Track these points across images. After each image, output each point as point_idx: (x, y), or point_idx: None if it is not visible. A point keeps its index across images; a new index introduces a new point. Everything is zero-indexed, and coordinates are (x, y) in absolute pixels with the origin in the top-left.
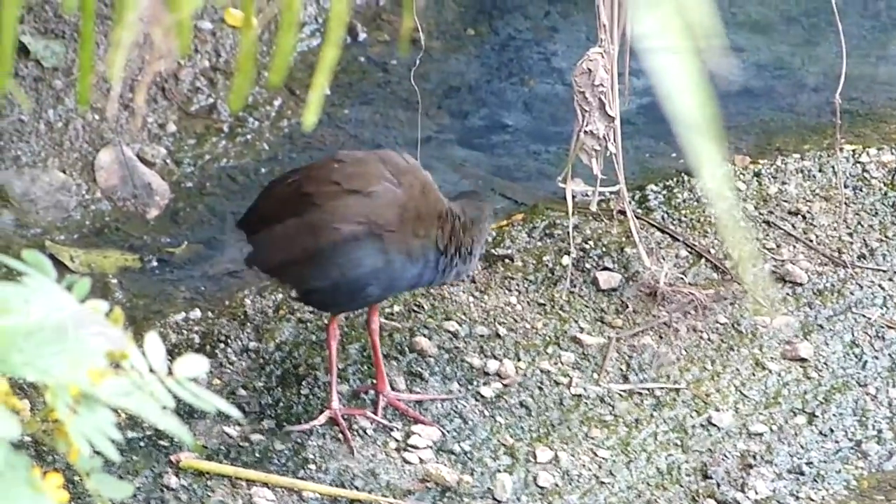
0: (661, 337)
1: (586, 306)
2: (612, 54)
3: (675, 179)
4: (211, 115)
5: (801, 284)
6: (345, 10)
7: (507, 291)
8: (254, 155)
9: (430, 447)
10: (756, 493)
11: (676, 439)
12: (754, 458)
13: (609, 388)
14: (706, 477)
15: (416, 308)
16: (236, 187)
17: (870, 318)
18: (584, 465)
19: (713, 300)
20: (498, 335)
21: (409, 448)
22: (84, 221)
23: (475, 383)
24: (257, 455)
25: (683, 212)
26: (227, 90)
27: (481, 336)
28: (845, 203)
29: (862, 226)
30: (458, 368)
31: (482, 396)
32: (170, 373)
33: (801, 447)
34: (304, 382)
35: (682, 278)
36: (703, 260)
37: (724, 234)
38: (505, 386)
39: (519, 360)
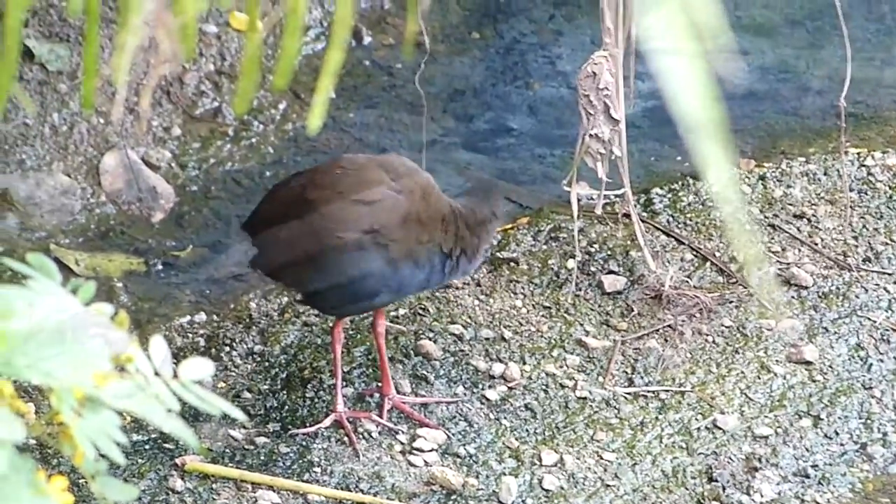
0: (666, 340)
1: (591, 309)
2: (617, 58)
3: (680, 183)
4: (216, 118)
5: (806, 287)
6: (349, 13)
7: (512, 295)
8: (258, 158)
9: (436, 450)
10: (761, 495)
11: (681, 442)
12: (759, 460)
13: (614, 391)
14: (711, 480)
15: (421, 311)
16: (241, 191)
17: (875, 321)
18: (589, 468)
19: (718, 303)
20: (503, 338)
21: (415, 451)
22: (89, 225)
23: (480, 386)
24: (262, 458)
25: (689, 215)
26: (231, 94)
27: (486, 339)
28: (850, 206)
29: (867, 229)
30: (464, 371)
31: (487, 399)
32: (175, 376)
33: (807, 450)
34: (309, 385)
35: (687, 281)
36: (708, 263)
37: (730, 237)
38: (510, 389)
39: (524, 363)
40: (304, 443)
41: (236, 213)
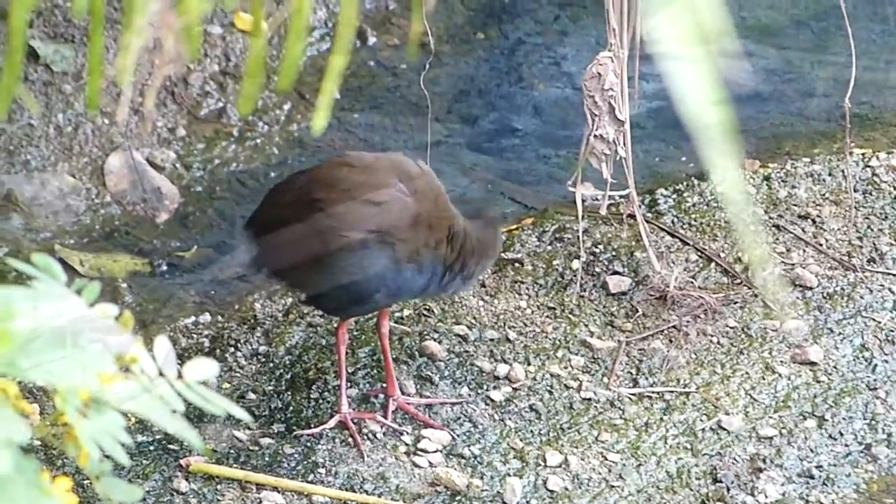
0: (670, 341)
1: (596, 310)
2: (622, 58)
3: (684, 183)
4: (220, 119)
5: (810, 288)
6: (354, 14)
7: (516, 295)
8: (263, 159)
9: (440, 451)
10: (766, 496)
11: (686, 443)
12: (764, 461)
13: (619, 391)
14: (716, 480)
15: (425, 312)
16: (246, 191)
17: (879, 322)
18: (593, 469)
19: (723, 304)
20: (508, 339)
21: (419, 452)
22: (94, 225)
23: (485, 387)
24: (267, 459)
25: (693, 216)
26: (236, 94)
27: (491, 340)
28: (855, 207)
29: (871, 229)
30: (468, 372)
31: (492, 400)
32: (179, 376)
33: (811, 451)
34: (313, 386)
35: (691, 282)
36: (712, 264)
37: (735, 237)
38: (515, 390)
39: (529, 363)
40: (308, 444)
41: (241, 214)
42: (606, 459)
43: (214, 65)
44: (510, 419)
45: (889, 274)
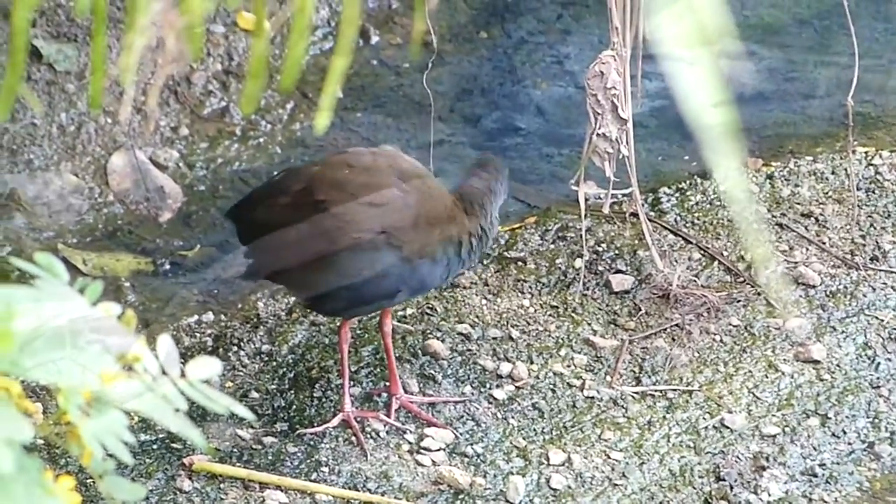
0: (673, 339)
1: (599, 309)
2: (625, 57)
3: (687, 182)
4: (223, 118)
5: (813, 286)
6: (357, 13)
7: (519, 294)
8: (266, 158)
9: (443, 449)
10: (769, 494)
11: (689, 441)
12: (767, 459)
13: (622, 390)
14: (719, 479)
15: (428, 311)
16: (249, 190)
17: (882, 320)
18: (596, 467)
19: (726, 302)
20: (511, 338)
21: (422, 450)
22: (97, 225)
23: (488, 386)
24: (270, 458)
25: (696, 214)
26: (239, 93)
27: (494, 339)
28: (858, 205)
29: (874, 228)
30: (471, 371)
31: (495, 399)
32: (182, 375)
33: (814, 449)
34: (316, 385)
35: (694, 281)
36: (715, 262)
37: (738, 236)
38: (517, 388)
39: (532, 362)
40: (311, 442)
41: None
42: (609, 458)
43: (217, 64)
44: (513, 418)
45: (892, 272)
